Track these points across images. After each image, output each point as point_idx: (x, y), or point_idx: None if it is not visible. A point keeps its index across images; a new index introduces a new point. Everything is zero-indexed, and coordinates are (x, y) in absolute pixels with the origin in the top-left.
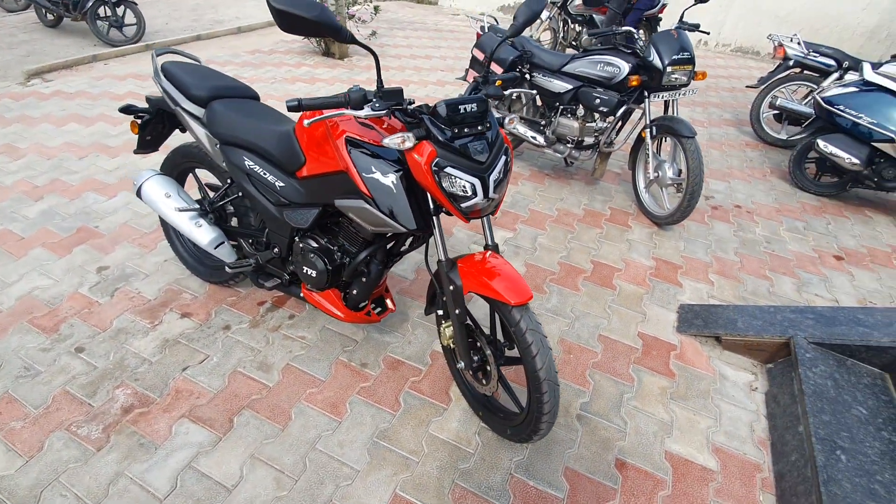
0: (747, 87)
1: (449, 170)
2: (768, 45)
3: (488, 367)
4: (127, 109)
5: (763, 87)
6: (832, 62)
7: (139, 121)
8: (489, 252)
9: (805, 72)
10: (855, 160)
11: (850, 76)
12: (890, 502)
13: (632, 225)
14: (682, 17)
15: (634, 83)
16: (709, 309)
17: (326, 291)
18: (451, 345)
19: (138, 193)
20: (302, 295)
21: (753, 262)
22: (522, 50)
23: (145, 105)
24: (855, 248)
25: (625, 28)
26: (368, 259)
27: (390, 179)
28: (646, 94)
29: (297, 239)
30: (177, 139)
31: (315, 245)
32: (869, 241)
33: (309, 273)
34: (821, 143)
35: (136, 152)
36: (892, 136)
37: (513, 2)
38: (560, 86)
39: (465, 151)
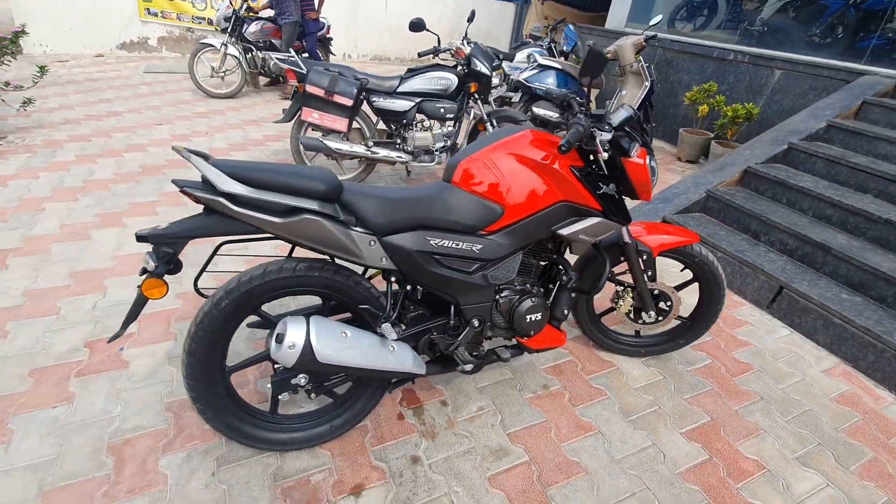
0: None
1: (652, 163)
2: (394, 51)
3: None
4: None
5: None
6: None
7: (159, 269)
8: (639, 223)
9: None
10: (555, 114)
11: (508, 64)
12: None
13: None
14: (465, 34)
15: (473, 89)
16: None
17: (546, 327)
18: (632, 308)
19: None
20: (526, 349)
21: None
22: (359, 78)
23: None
24: None
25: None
26: (564, 271)
27: (612, 188)
28: (476, 95)
29: (498, 298)
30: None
31: (519, 288)
32: None
33: (532, 319)
34: (534, 108)
35: (110, 341)
36: (566, 93)
37: (132, 38)
38: (402, 104)
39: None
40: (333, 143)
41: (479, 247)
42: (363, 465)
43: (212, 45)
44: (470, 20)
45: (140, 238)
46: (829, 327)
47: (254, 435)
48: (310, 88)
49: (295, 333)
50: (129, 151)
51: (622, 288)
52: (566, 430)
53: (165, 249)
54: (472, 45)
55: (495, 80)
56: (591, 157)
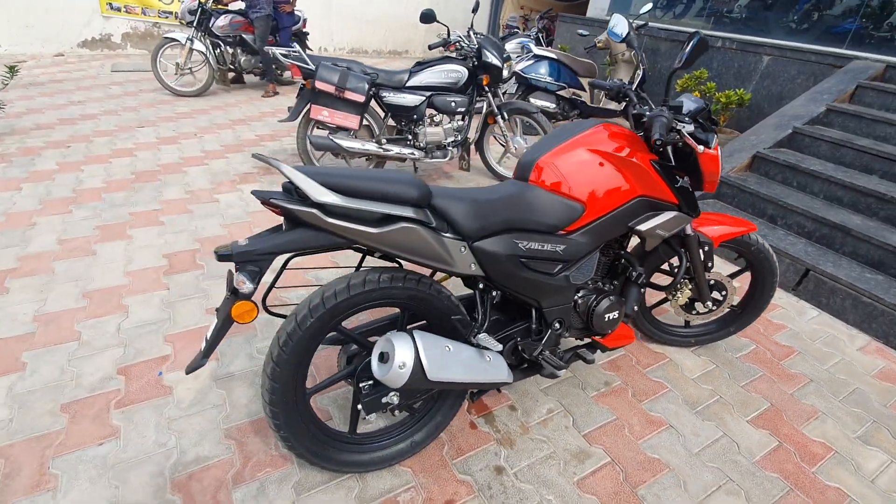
0: None
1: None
2: (372, 44)
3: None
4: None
5: None
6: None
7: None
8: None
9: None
10: (552, 105)
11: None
12: None
13: None
14: (471, 26)
15: (486, 82)
16: None
17: (620, 325)
18: (689, 300)
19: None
20: (602, 347)
21: None
22: (368, 73)
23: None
24: None
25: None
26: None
27: (687, 181)
28: (486, 88)
29: (577, 299)
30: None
31: (595, 287)
32: None
33: (610, 318)
34: (532, 99)
35: (189, 371)
36: (562, 84)
37: (94, 35)
38: (413, 99)
39: None
40: (345, 142)
41: (563, 247)
42: (448, 480)
43: (175, 40)
44: (474, 11)
45: (222, 257)
46: (857, 306)
47: (336, 458)
48: (319, 85)
49: (403, 352)
50: (116, 157)
51: (683, 280)
52: (639, 427)
53: (251, 268)
54: (480, 37)
55: (506, 72)
56: (662, 150)
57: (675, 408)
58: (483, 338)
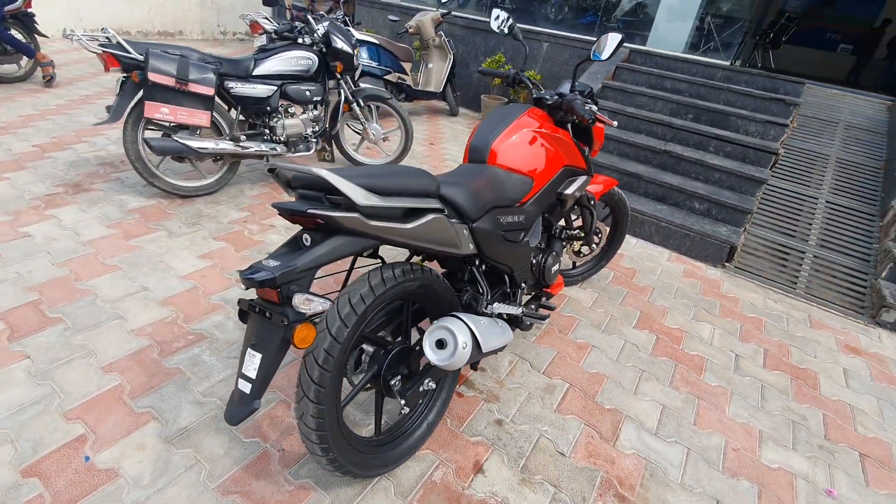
0: None
1: None
2: (135, 23)
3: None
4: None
5: None
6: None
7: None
8: None
9: (278, 40)
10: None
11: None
12: None
13: None
14: (310, 8)
15: (340, 69)
16: None
17: None
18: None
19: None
20: (550, 295)
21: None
22: (209, 61)
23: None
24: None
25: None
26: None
27: (587, 150)
28: (340, 76)
29: (533, 259)
30: None
31: (541, 247)
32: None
33: (555, 271)
34: (362, 85)
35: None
36: (387, 69)
37: None
38: (265, 90)
39: None
40: (195, 142)
41: (523, 217)
42: (465, 446)
43: None
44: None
45: (263, 283)
46: (659, 231)
47: (375, 463)
48: (155, 77)
49: (463, 334)
50: None
51: (576, 231)
52: (575, 354)
53: (293, 288)
54: (328, 21)
55: (356, 60)
56: (569, 126)
57: (590, 332)
58: (498, 306)
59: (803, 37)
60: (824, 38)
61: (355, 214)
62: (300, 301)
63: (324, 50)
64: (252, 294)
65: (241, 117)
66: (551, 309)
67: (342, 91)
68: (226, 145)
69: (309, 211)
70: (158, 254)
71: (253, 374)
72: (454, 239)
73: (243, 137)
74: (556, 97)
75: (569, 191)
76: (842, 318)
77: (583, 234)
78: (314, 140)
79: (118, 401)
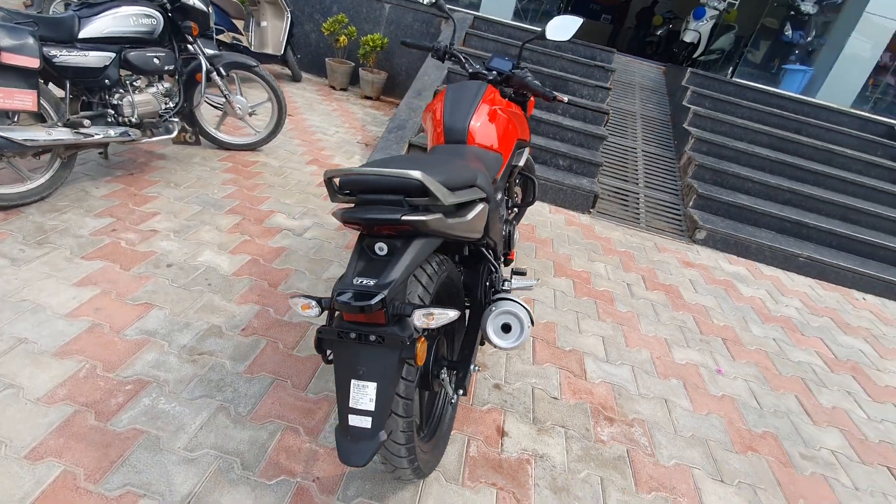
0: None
1: None
2: None
3: None
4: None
5: None
6: None
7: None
8: None
9: None
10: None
11: None
12: None
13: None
14: None
15: (196, 32)
16: None
17: None
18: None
19: None
20: (510, 261)
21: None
22: (20, 22)
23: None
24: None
25: None
26: None
27: None
28: (194, 39)
29: (501, 224)
30: None
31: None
32: None
33: (516, 238)
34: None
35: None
36: (220, 28)
37: None
38: (97, 58)
39: None
40: (18, 133)
41: (500, 192)
42: (482, 417)
43: None
44: None
45: (368, 309)
46: (554, 192)
47: (435, 456)
48: None
49: (525, 315)
50: None
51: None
52: None
53: (398, 305)
54: None
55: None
56: (511, 98)
57: None
58: (516, 281)
59: (577, 9)
60: (590, 9)
61: (440, 215)
62: (421, 316)
63: (167, 6)
64: (312, 316)
65: (72, 95)
66: (523, 274)
67: (200, 59)
68: (62, 134)
69: (404, 218)
70: (10, 291)
71: (371, 406)
72: (483, 224)
73: (87, 122)
74: (496, 73)
75: (521, 162)
76: (674, 241)
77: (521, 202)
78: (174, 120)
79: (77, 491)
